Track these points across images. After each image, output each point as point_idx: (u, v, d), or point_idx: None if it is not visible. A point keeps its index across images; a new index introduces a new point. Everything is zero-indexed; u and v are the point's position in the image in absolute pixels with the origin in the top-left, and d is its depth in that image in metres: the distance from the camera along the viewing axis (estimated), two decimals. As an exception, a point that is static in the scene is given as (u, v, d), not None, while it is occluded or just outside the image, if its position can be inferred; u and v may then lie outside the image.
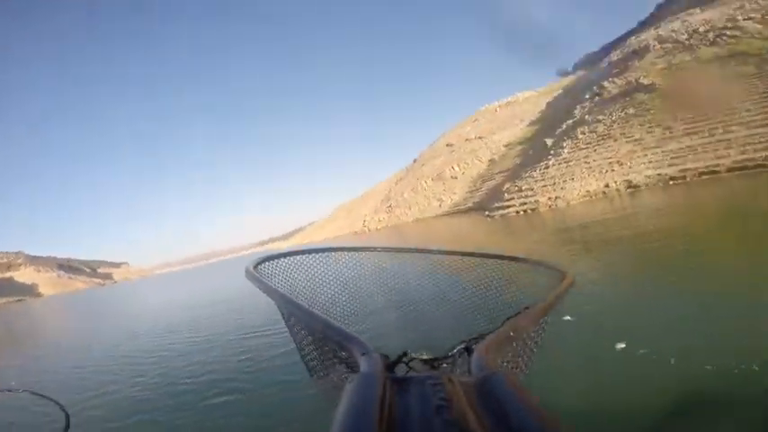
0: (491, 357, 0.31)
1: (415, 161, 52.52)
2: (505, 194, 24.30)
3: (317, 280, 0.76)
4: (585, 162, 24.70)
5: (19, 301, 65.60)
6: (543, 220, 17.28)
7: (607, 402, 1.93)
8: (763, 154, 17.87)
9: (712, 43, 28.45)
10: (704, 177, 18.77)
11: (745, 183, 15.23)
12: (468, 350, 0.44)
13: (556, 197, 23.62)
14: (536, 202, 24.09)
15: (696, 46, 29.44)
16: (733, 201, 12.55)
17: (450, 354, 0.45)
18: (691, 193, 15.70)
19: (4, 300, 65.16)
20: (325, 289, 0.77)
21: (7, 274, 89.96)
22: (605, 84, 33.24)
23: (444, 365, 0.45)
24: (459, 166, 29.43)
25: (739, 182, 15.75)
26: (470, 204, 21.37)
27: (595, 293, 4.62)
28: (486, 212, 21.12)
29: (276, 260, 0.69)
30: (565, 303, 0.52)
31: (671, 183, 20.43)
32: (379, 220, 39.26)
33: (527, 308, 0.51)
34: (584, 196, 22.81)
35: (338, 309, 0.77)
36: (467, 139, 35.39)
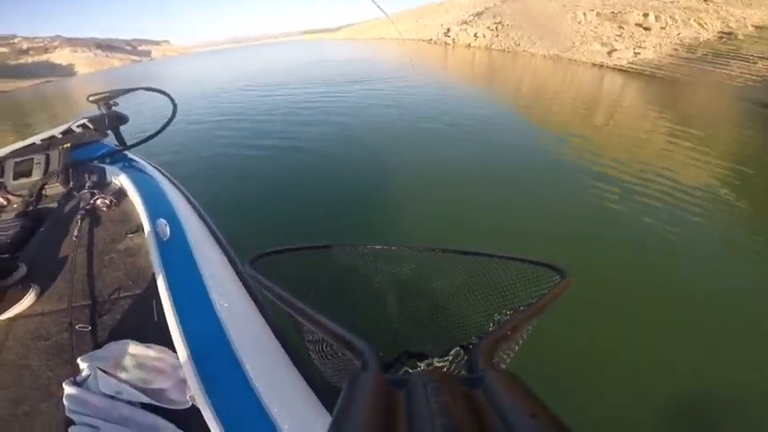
0: (490, 357, 0.33)
1: None
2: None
3: (315, 276, 0.71)
4: None
5: (46, 82, 60.22)
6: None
7: (609, 399, 1.80)
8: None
9: None
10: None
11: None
12: (467, 349, 0.46)
13: None
14: None
15: None
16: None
17: (448, 353, 0.47)
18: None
19: (31, 82, 60.22)
20: (323, 286, 0.71)
21: (44, 57, 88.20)
22: None
23: (443, 365, 0.46)
24: (660, 17, 14.63)
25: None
26: (667, 71, 10.66)
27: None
28: None
29: (274, 255, 0.67)
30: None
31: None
32: (476, 36, 25.31)
33: (526, 307, 0.51)
34: None
35: (336, 306, 0.73)
36: None
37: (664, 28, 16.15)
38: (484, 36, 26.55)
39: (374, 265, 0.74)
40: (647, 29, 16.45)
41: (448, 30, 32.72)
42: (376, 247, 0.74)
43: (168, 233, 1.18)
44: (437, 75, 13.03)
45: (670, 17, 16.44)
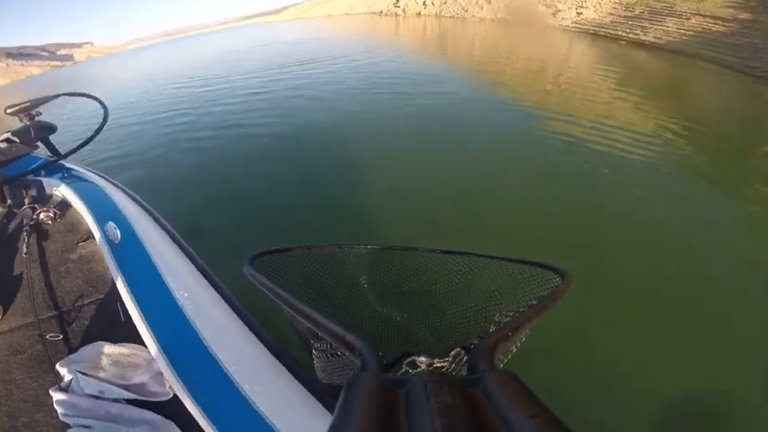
0: (490, 357, 0.33)
1: None
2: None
3: (314, 276, 0.71)
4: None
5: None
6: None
7: (609, 399, 1.80)
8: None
9: None
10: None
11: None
12: (468, 350, 0.46)
13: None
14: None
15: None
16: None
17: (449, 354, 0.46)
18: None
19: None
20: (322, 285, 0.72)
21: None
22: None
23: (443, 365, 0.46)
24: None
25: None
26: (609, 29, 11.01)
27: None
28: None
29: (273, 255, 0.67)
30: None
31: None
32: (425, 4, 24.85)
33: (526, 308, 0.51)
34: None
35: (336, 306, 0.72)
36: None
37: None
38: (433, 3, 26.16)
39: (374, 265, 0.75)
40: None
41: (397, 0, 31.94)
42: (376, 246, 0.74)
43: (119, 236, 1.19)
44: (383, 50, 12.33)
45: None
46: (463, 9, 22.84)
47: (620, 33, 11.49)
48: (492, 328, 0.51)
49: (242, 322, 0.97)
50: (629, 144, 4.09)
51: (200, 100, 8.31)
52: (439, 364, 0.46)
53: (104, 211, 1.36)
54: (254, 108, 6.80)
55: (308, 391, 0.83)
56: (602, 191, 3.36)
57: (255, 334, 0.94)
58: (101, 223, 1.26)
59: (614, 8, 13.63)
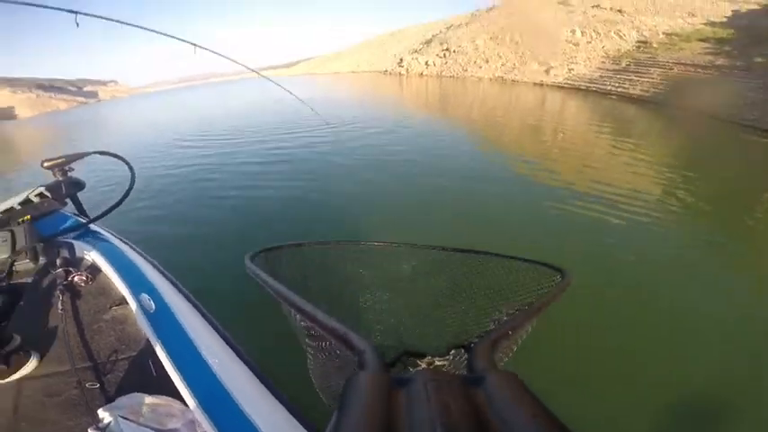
0: (490, 356, 0.33)
1: (492, 8, 30.41)
2: None
3: (315, 274, 0.72)
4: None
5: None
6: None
7: (609, 399, 1.83)
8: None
9: None
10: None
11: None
12: (468, 349, 0.46)
13: None
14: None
15: None
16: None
17: (449, 353, 0.47)
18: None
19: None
20: (323, 283, 0.73)
21: None
22: None
23: (443, 364, 0.46)
24: (585, 32, 16.11)
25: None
26: (599, 84, 11.60)
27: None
28: None
29: (275, 251, 0.68)
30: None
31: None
32: (427, 64, 25.87)
33: (526, 306, 0.51)
34: None
35: (336, 304, 0.73)
36: (596, 6, 18.71)
37: (590, 42, 17.73)
38: (434, 64, 27.87)
39: (375, 263, 0.75)
40: (575, 44, 17.96)
41: (401, 60, 33.96)
42: (377, 244, 0.74)
43: (153, 306, 1.29)
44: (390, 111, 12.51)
45: (593, 31, 18.12)
46: (462, 69, 24.22)
47: (609, 88, 11.87)
48: (492, 327, 0.51)
49: (265, 388, 1.01)
50: (628, 206, 4.05)
51: (222, 155, 8.42)
52: (439, 363, 0.46)
53: (136, 280, 1.48)
54: (270, 169, 6.85)
55: None
56: (607, 265, 3.16)
57: (275, 396, 0.99)
58: (135, 292, 1.36)
59: (602, 62, 14.24)
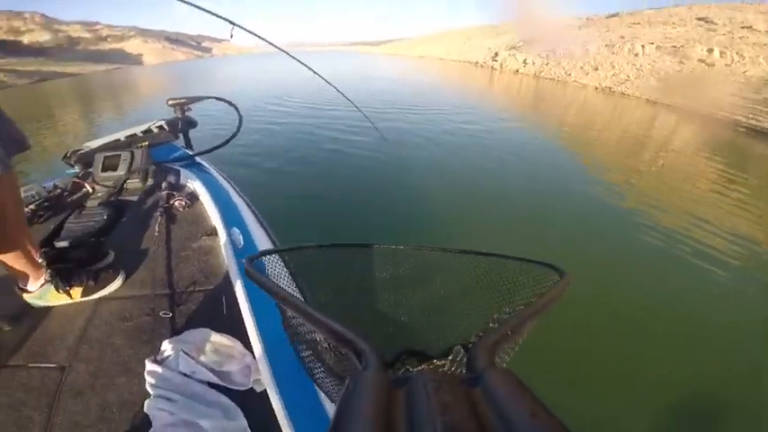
0: (490, 356, 0.32)
1: (613, 15, 27.58)
2: None
3: (314, 275, 0.70)
4: None
5: (117, 69, 65.36)
6: None
7: (609, 399, 1.82)
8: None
9: None
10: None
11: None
12: (467, 349, 0.45)
13: None
14: None
15: None
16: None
17: (449, 353, 0.47)
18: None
19: (105, 67, 65.84)
20: (322, 285, 0.71)
21: (119, 45, 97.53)
22: None
23: (443, 364, 0.46)
24: (725, 53, 13.50)
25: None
26: (727, 112, 9.71)
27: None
28: None
29: (273, 255, 0.67)
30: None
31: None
32: (525, 62, 24.73)
33: (525, 306, 0.51)
34: None
35: (335, 305, 0.72)
36: (748, 27, 15.61)
37: (729, 65, 15.34)
38: (533, 63, 26.27)
39: (374, 264, 0.75)
40: (710, 65, 15.71)
41: (496, 54, 32.48)
42: (375, 245, 0.74)
43: (242, 242, 1.30)
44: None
45: (737, 53, 15.61)
46: (566, 72, 22.51)
47: (740, 118, 10.38)
48: (492, 327, 0.51)
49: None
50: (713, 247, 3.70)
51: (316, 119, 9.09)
52: (439, 363, 0.46)
53: (230, 214, 1.50)
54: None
55: None
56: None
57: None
58: (227, 225, 1.38)
59: (739, 89, 12.36)
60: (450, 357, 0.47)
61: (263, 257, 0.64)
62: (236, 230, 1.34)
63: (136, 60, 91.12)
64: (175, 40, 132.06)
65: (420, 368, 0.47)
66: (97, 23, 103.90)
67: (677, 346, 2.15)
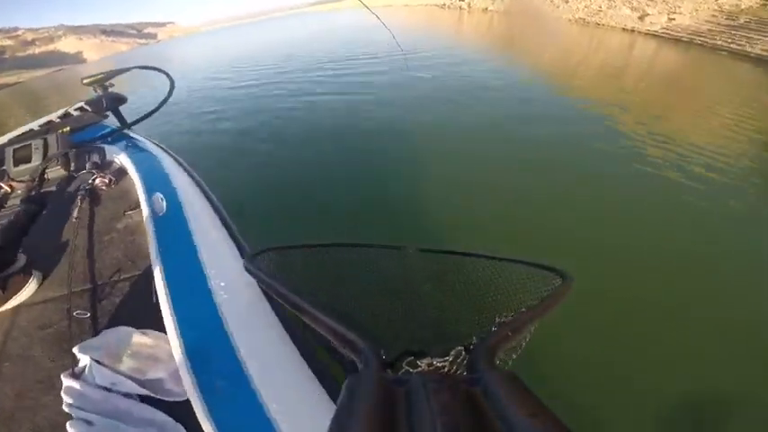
0: (491, 357, 0.32)
1: None
2: None
3: (316, 274, 0.72)
4: None
5: (59, 70, 60.65)
6: None
7: (608, 399, 1.79)
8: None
9: None
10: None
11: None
12: (468, 350, 0.46)
13: None
14: None
15: None
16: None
17: (449, 354, 0.46)
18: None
19: (44, 71, 60.97)
20: (324, 284, 0.72)
21: (51, 46, 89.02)
22: None
23: (443, 365, 0.46)
24: None
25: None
26: (707, 37, 9.82)
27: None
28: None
29: (275, 252, 0.69)
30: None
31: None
32: None
33: (527, 309, 0.51)
34: None
35: (337, 305, 0.69)
36: None
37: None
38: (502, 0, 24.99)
39: (376, 264, 0.74)
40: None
41: (463, -8, 30.82)
42: (377, 246, 0.73)
43: (165, 208, 1.15)
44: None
45: None
46: (589, 12, 21.34)
47: (719, 42, 10.19)
48: (493, 329, 0.51)
49: (281, 328, 0.83)
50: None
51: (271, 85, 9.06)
52: (439, 364, 0.47)
53: (156, 181, 1.34)
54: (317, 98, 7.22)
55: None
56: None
57: (296, 345, 0.81)
58: (149, 193, 1.24)
59: (713, 16, 12.11)
60: (450, 358, 0.46)
61: (263, 254, 0.61)
62: (158, 196, 1.21)
63: (77, 59, 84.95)
64: (112, 32, 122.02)
65: (420, 369, 0.45)
66: (17, 29, 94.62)
67: (685, 344, 2.08)
